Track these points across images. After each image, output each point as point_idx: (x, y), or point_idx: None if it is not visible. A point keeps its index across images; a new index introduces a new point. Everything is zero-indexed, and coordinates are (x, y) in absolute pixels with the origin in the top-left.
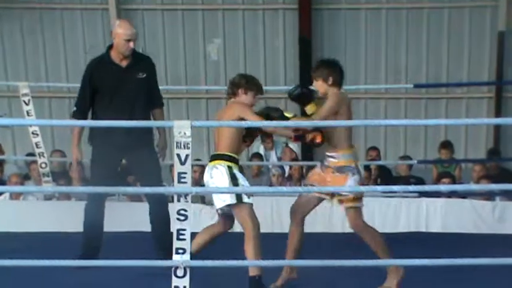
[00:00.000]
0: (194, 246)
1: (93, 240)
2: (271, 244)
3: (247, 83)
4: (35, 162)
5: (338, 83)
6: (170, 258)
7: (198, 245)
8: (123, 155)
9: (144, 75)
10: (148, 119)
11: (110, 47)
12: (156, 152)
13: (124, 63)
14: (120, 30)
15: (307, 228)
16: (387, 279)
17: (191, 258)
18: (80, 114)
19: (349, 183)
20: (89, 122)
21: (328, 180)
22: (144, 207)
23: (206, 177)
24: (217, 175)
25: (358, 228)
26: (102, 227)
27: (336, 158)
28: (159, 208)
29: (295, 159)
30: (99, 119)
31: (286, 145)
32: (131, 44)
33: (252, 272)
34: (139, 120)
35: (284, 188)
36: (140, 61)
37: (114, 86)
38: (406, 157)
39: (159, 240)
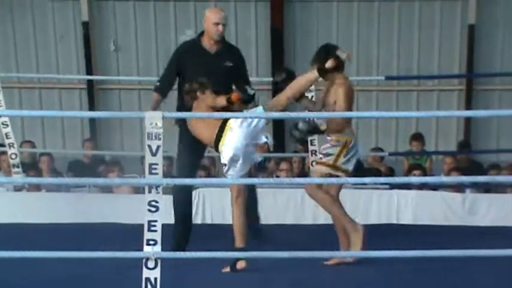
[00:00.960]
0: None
1: (185, 231)
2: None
3: (200, 85)
4: (5, 153)
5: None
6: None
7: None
8: None
9: (231, 64)
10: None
11: (202, 33)
12: None
13: (213, 49)
14: (208, 13)
15: (280, 220)
16: (351, 240)
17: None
18: (159, 90)
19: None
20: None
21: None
22: (113, 199)
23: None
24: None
25: (311, 190)
26: (191, 217)
27: (330, 137)
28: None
29: (267, 151)
30: (183, 102)
31: None
32: (220, 28)
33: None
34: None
35: (256, 180)
36: (229, 50)
37: (200, 71)
38: (377, 149)
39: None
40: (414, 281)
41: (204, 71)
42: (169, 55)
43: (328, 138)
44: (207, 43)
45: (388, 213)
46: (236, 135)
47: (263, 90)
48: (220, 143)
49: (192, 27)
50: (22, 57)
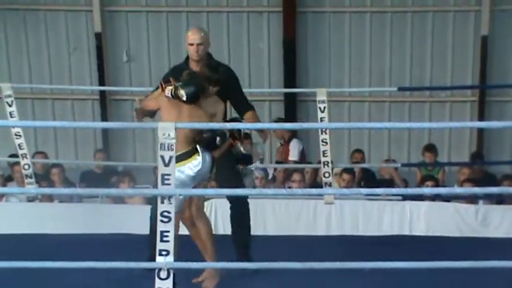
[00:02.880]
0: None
1: None
2: (255, 245)
3: None
4: (18, 163)
5: None
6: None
7: None
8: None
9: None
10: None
11: None
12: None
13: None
14: (187, 34)
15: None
16: (206, 280)
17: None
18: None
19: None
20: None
21: None
22: (125, 209)
23: None
24: None
25: (198, 213)
26: None
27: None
28: (238, 209)
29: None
30: None
31: (281, 144)
32: (193, 48)
33: None
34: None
35: (268, 190)
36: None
37: None
38: (390, 160)
39: (236, 237)
40: None
41: None
42: None
43: None
44: (193, 64)
45: (400, 225)
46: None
47: (275, 101)
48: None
49: None
50: (35, 68)
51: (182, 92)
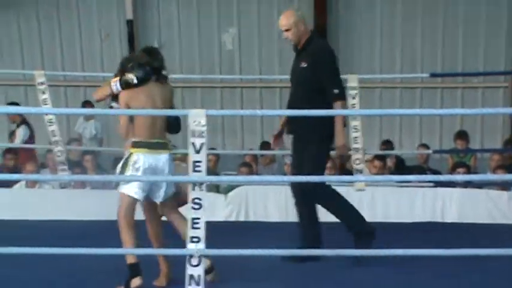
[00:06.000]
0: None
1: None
2: (286, 233)
3: None
4: (51, 150)
5: None
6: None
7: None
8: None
9: (305, 65)
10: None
11: None
12: (317, 150)
13: (299, 51)
14: None
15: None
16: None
17: None
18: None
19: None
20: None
21: None
22: None
23: None
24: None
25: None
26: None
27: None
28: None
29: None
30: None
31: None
32: (283, 34)
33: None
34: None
35: (299, 177)
36: (308, 49)
37: (291, 73)
38: (423, 145)
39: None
40: (460, 279)
41: (291, 73)
42: (212, 53)
43: None
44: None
45: (432, 211)
46: None
47: None
48: None
49: (235, 25)
50: (68, 56)
51: (131, 76)
